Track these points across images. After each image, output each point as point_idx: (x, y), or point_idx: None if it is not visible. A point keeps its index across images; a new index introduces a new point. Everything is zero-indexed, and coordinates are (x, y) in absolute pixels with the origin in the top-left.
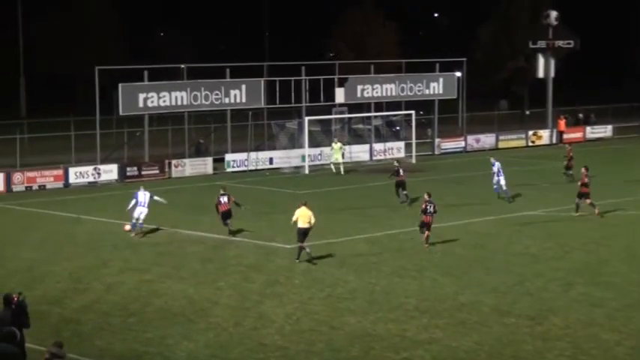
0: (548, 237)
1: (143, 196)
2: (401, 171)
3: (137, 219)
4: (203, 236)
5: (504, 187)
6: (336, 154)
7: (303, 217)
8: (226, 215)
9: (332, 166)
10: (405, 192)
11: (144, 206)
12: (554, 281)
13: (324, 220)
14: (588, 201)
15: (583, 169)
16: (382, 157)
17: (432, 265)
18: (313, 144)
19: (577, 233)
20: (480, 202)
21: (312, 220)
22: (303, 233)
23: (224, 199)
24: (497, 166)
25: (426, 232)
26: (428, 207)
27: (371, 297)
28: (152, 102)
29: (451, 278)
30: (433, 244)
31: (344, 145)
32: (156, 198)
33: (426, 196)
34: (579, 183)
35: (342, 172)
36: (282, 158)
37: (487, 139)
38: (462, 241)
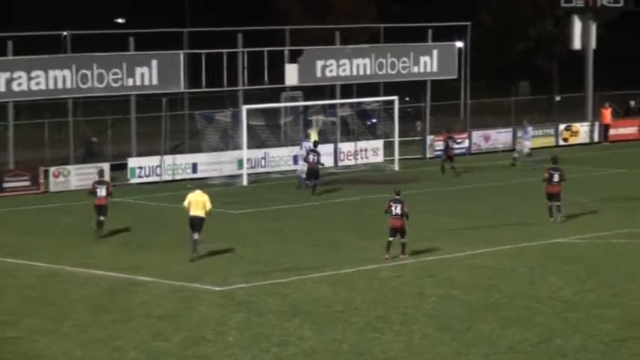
0: (588, 274)
1: None
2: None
3: None
4: (95, 275)
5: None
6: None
7: (195, 203)
8: (102, 210)
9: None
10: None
11: None
12: (598, 337)
13: (270, 251)
14: (557, 203)
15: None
16: (352, 162)
17: (422, 315)
18: (255, 144)
19: (630, 269)
20: (490, 226)
21: (208, 207)
22: (197, 223)
23: (101, 191)
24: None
25: (401, 240)
26: (393, 207)
27: (336, 359)
28: (20, 85)
29: (450, 334)
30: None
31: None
32: None
33: (395, 194)
34: (544, 178)
35: None
36: (211, 164)
37: (500, 136)
38: (466, 280)
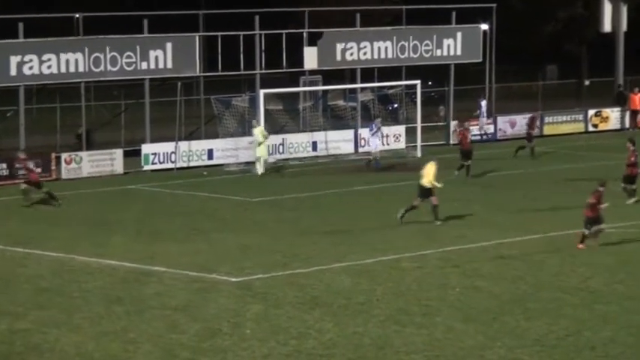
0: (618, 265)
1: None
2: None
3: None
4: (108, 265)
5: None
6: (260, 144)
7: (425, 173)
8: (40, 185)
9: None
10: None
11: None
12: (627, 329)
13: (289, 241)
14: (634, 186)
15: (628, 144)
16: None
17: (446, 307)
18: (273, 129)
19: None
20: (518, 214)
21: (429, 178)
22: (421, 191)
23: (34, 166)
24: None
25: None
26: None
27: (356, 353)
28: (31, 68)
29: (474, 325)
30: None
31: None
32: None
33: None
34: (626, 163)
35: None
36: (227, 150)
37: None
38: (491, 271)
